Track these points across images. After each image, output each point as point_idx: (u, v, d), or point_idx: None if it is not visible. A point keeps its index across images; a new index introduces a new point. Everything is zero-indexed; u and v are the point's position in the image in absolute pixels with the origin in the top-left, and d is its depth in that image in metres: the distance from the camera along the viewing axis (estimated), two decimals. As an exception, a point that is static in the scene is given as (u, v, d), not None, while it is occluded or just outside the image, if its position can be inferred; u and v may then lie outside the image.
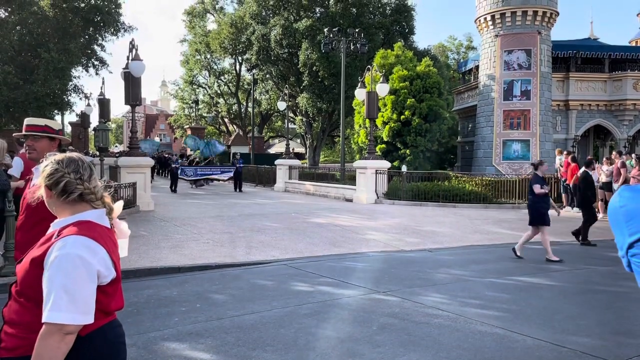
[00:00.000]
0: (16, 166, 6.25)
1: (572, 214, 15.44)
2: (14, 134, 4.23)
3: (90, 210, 1.98)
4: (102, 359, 1.91)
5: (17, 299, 1.89)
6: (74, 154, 2.08)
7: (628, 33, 64.35)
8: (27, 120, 3.45)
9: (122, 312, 6.13)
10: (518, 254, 8.70)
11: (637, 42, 36.03)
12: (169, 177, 23.96)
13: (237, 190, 22.68)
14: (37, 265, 1.83)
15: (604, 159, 15.63)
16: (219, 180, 24.62)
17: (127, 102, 15.09)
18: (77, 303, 1.78)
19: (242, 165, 24.35)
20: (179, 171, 22.72)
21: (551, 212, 8.75)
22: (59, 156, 2.04)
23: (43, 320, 1.75)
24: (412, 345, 4.51)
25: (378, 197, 18.03)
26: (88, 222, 1.93)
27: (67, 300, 1.76)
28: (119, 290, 2.00)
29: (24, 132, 3.42)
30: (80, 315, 1.78)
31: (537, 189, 8.57)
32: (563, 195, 16.64)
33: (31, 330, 1.82)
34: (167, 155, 39.43)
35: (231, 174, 23.57)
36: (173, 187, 21.82)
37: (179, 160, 24.73)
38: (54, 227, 1.96)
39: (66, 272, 1.78)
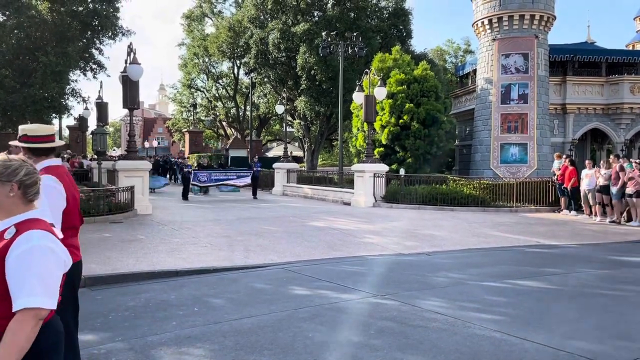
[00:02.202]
0: None
1: (570, 217, 15.48)
2: (9, 142, 4.18)
3: (34, 209, 2.12)
4: (54, 346, 2.06)
5: None
6: (24, 157, 2.23)
7: (625, 37, 64.63)
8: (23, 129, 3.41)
9: (120, 316, 6.05)
10: None
11: (633, 45, 36.14)
12: (181, 182, 21.41)
13: (254, 197, 20.73)
14: None
15: (602, 162, 15.67)
16: (234, 186, 22.22)
17: (125, 106, 15.08)
18: (50, 289, 1.95)
19: (259, 169, 22.25)
20: (192, 176, 20.34)
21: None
22: (22, 157, 2.18)
23: (20, 307, 1.87)
24: (410, 349, 4.51)
25: (376, 201, 18.03)
26: (39, 219, 2.08)
27: (42, 287, 1.91)
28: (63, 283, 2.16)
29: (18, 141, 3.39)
30: (52, 300, 1.95)
31: None
32: (561, 198, 16.67)
33: None
34: (173, 159, 36.80)
35: (248, 180, 21.18)
36: (185, 194, 19.79)
37: (191, 165, 21.83)
38: (2, 225, 2.05)
39: (39, 262, 1.93)
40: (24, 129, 3.29)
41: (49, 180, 3.09)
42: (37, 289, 1.89)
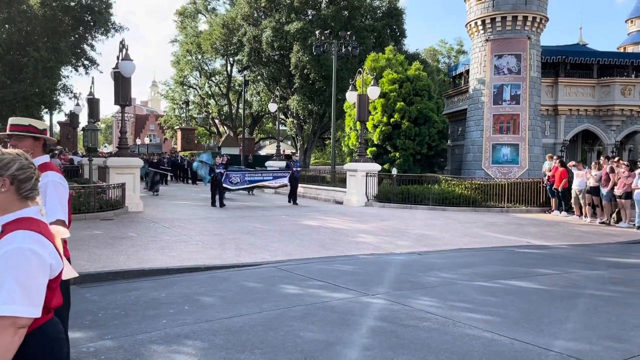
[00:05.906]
0: None
1: (560, 218, 15.57)
2: None
3: (30, 207, 2.00)
4: (44, 357, 1.92)
5: None
6: (20, 150, 2.09)
7: (617, 39, 65.14)
8: (11, 120, 3.38)
9: (109, 314, 6.01)
10: None
11: (625, 48, 36.43)
12: (210, 185, 17.83)
13: (292, 202, 18.16)
14: None
15: (593, 163, 15.76)
16: (269, 187, 19.48)
17: (116, 102, 15.00)
18: (31, 296, 1.80)
19: (299, 169, 19.49)
20: (223, 178, 16.97)
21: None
22: (17, 150, 2.06)
23: None
24: (401, 348, 4.51)
25: (368, 200, 18.05)
26: (31, 218, 1.95)
27: (21, 293, 1.77)
28: (59, 287, 2.01)
29: (7, 132, 3.35)
30: (33, 307, 1.80)
31: None
32: (552, 199, 16.76)
33: None
34: (191, 159, 31.37)
35: (285, 181, 18.28)
36: (215, 200, 16.66)
37: (222, 165, 17.77)
38: None
39: (18, 266, 1.79)
40: (40, 122, 3.35)
41: (56, 177, 3.11)
42: (15, 296, 1.75)
